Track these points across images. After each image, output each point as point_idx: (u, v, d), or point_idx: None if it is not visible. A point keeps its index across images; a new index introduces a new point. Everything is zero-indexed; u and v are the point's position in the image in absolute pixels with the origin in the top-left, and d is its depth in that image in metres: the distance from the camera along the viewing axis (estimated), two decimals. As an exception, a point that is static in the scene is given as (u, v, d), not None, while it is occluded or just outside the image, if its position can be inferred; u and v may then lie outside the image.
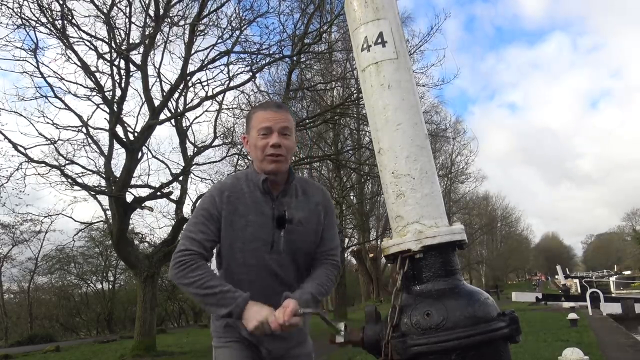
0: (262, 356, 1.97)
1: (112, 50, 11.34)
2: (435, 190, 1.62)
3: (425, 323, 1.41)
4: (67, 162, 12.07)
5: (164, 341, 14.49)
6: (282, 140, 1.89)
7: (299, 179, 2.04)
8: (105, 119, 12.09)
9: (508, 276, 76.35)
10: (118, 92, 11.71)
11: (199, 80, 13.04)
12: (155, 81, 12.82)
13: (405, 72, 1.68)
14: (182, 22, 12.28)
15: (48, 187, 14.77)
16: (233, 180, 1.96)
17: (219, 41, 12.54)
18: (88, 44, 11.33)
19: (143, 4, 11.74)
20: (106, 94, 11.69)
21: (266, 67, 13.64)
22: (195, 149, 14.27)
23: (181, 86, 12.65)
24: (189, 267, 1.76)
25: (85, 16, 11.54)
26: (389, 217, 1.67)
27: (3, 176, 11.55)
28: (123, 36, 11.59)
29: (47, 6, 10.67)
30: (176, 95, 13.12)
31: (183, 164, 13.69)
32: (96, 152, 12.74)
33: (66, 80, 12.24)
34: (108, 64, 11.59)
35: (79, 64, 11.29)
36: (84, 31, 11.19)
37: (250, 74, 12.64)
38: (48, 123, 11.81)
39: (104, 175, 12.31)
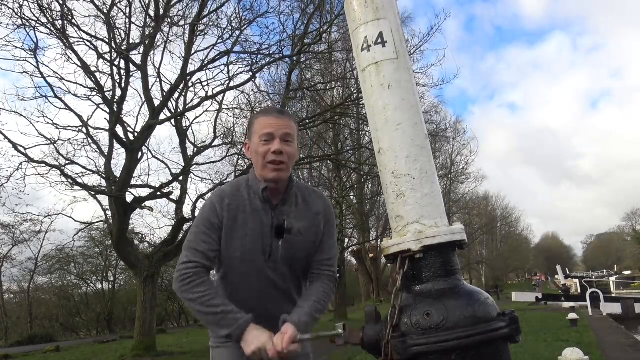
0: None
1: (112, 50, 11.34)
2: (435, 190, 1.62)
3: (425, 323, 1.41)
4: (67, 162, 12.09)
5: (164, 341, 14.49)
6: (284, 147, 1.86)
7: (300, 186, 2.00)
8: (105, 119, 12.11)
9: (508, 276, 76.35)
10: (118, 92, 11.72)
11: (199, 80, 13.06)
12: (155, 81, 12.84)
13: (405, 72, 1.68)
14: (182, 22, 12.30)
15: (48, 187, 14.78)
16: (234, 187, 1.93)
17: (219, 41, 12.56)
18: (88, 44, 11.36)
19: (143, 4, 11.76)
20: (106, 94, 11.69)
21: (266, 67, 13.66)
22: (195, 149, 14.28)
23: (181, 86, 12.65)
24: (193, 282, 1.75)
25: (85, 16, 11.56)
26: (389, 217, 1.67)
27: (3, 176, 11.57)
28: (123, 36, 11.61)
29: (47, 6, 10.69)
30: (176, 95, 13.13)
31: (183, 164, 13.70)
32: (96, 152, 12.77)
33: (66, 80, 12.28)
34: (108, 64, 11.60)
35: (79, 64, 11.31)
36: (84, 31, 11.22)
37: (250, 74, 12.66)
38: (48, 123, 11.84)
39: (104, 175, 12.31)
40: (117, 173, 12.21)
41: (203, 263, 1.80)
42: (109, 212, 13.08)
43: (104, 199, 12.99)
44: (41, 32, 11.12)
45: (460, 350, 1.37)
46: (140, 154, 12.17)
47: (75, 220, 14.26)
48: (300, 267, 1.97)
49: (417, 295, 1.50)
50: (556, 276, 49.24)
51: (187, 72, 12.23)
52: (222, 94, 13.12)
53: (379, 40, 1.68)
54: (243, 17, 12.41)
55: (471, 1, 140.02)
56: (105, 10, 11.17)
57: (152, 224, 45.50)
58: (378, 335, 1.50)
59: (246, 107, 13.68)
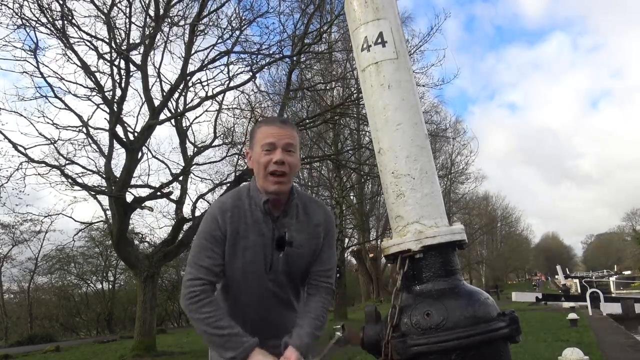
0: None
1: (112, 50, 11.34)
2: (435, 190, 1.62)
3: (425, 323, 1.41)
4: (67, 162, 12.08)
5: (164, 341, 14.49)
6: (285, 157, 1.84)
7: (301, 196, 1.99)
8: (105, 119, 12.11)
9: (508, 276, 76.35)
10: (118, 92, 11.72)
11: (199, 80, 13.05)
12: (155, 81, 12.83)
13: (405, 72, 1.68)
14: (182, 22, 12.30)
15: (48, 187, 14.78)
16: (235, 197, 1.91)
17: (219, 41, 12.55)
18: (88, 44, 11.35)
19: (143, 4, 11.76)
20: (106, 94, 11.69)
21: (266, 67, 13.64)
22: (195, 149, 14.27)
23: (181, 86, 12.65)
24: (200, 302, 1.75)
25: (85, 16, 11.56)
26: (389, 217, 1.67)
27: (3, 176, 11.56)
28: (123, 36, 11.60)
29: (47, 6, 10.68)
30: (176, 95, 13.12)
31: (183, 164, 13.70)
32: (96, 152, 12.76)
33: (66, 80, 12.26)
34: (108, 64, 11.60)
35: (79, 64, 11.31)
36: (84, 31, 11.21)
37: (251, 74, 12.64)
38: (48, 123, 11.82)
39: (104, 175, 12.31)
40: (117, 173, 12.22)
41: (209, 279, 1.80)
42: (109, 212, 13.08)
43: (104, 199, 12.99)
44: (41, 32, 11.13)
45: (460, 350, 1.37)
46: (140, 154, 12.17)
47: (75, 220, 14.28)
48: (300, 276, 1.98)
49: (417, 295, 1.50)
50: (556, 276, 49.25)
51: (187, 72, 12.23)
52: (222, 94, 13.12)
53: (379, 40, 1.68)
54: (243, 17, 12.41)
55: (471, 1, 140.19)
56: (105, 10, 11.18)
57: (152, 224, 45.67)
58: (378, 335, 1.50)
59: (246, 107, 13.67)
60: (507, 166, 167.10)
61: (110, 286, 28.33)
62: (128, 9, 11.43)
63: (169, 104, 12.99)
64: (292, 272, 1.93)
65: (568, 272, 53.73)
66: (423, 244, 1.51)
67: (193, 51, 12.29)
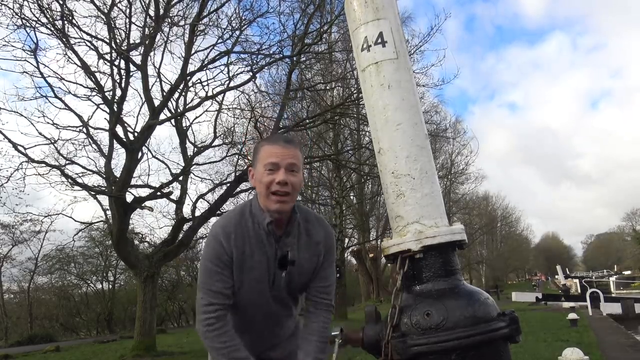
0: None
1: (113, 51, 11.33)
2: (435, 190, 1.62)
3: (425, 323, 1.41)
4: (67, 162, 12.06)
5: (164, 341, 14.49)
6: (288, 177, 1.84)
7: (303, 213, 1.99)
8: (105, 119, 12.10)
9: (508, 276, 76.36)
10: (118, 92, 11.71)
11: (199, 80, 13.04)
12: (155, 81, 12.83)
13: (405, 72, 1.68)
14: (182, 22, 12.29)
15: (48, 187, 14.75)
16: (237, 218, 1.91)
17: (219, 41, 12.54)
18: (88, 44, 11.34)
19: (143, 4, 11.76)
20: (106, 94, 11.68)
21: (266, 67, 13.64)
22: (195, 149, 14.27)
23: (181, 86, 12.64)
24: (217, 331, 1.80)
25: (85, 16, 11.55)
26: (389, 217, 1.67)
27: (3, 176, 11.54)
28: (123, 36, 11.59)
29: (47, 6, 10.67)
30: (176, 95, 13.12)
31: (183, 164, 13.70)
32: (96, 152, 12.75)
33: (66, 81, 12.26)
34: (108, 64, 11.59)
35: (79, 64, 11.30)
36: (84, 31, 11.20)
37: (251, 74, 12.63)
38: (48, 123, 11.80)
39: (104, 175, 12.31)
40: (117, 173, 12.21)
41: (222, 303, 1.83)
42: (109, 212, 13.08)
43: (104, 199, 12.99)
44: (41, 32, 11.12)
45: (460, 350, 1.37)
46: (140, 154, 12.16)
47: (75, 220, 14.26)
48: (299, 290, 2.03)
49: (417, 295, 1.50)
50: (556, 276, 49.27)
51: (187, 72, 12.22)
52: (222, 94, 13.11)
53: (379, 40, 1.68)
54: (243, 17, 12.41)
55: (471, 1, 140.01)
56: (105, 10, 11.17)
57: (152, 224, 45.71)
58: (378, 335, 1.50)
59: (246, 107, 13.67)
60: (507, 166, 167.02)
61: (110, 286, 28.36)
62: (128, 9, 11.44)
63: (169, 104, 12.99)
64: (293, 288, 1.98)
65: (568, 272, 53.76)
66: (423, 244, 1.51)
67: (193, 51, 12.29)
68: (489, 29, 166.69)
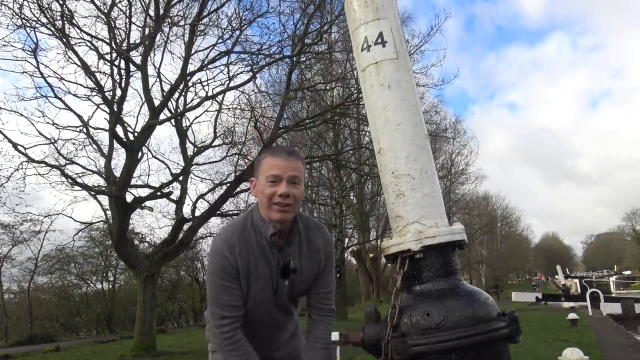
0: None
1: (113, 51, 11.33)
2: (435, 190, 1.62)
3: (425, 323, 1.41)
4: (67, 162, 12.06)
5: (164, 341, 14.49)
6: (290, 190, 1.86)
7: (303, 221, 2.02)
8: (105, 119, 12.09)
9: (508, 276, 76.37)
10: (118, 92, 11.70)
11: (199, 80, 13.03)
12: (155, 81, 12.82)
13: (405, 72, 1.68)
14: (182, 22, 12.28)
15: (48, 187, 14.75)
16: (239, 229, 1.93)
17: (219, 41, 12.54)
18: (88, 44, 11.34)
19: (143, 4, 11.76)
20: (106, 94, 11.68)
21: (266, 67, 13.64)
22: (195, 149, 14.27)
23: (181, 86, 12.64)
24: (235, 344, 1.87)
25: (85, 17, 11.54)
26: (389, 217, 1.67)
27: (3, 176, 11.52)
28: (123, 36, 11.59)
29: (47, 6, 10.67)
30: (176, 95, 13.11)
31: (183, 164, 13.70)
32: (96, 152, 12.75)
33: (66, 81, 12.24)
34: (108, 64, 11.59)
35: (79, 64, 11.29)
36: (84, 31, 11.20)
37: (251, 74, 12.63)
38: (48, 123, 11.79)
39: (104, 175, 12.31)
40: (117, 173, 12.21)
41: (235, 315, 1.88)
42: (109, 212, 13.07)
43: (104, 199, 12.99)
44: (41, 32, 11.11)
45: (460, 350, 1.37)
46: (140, 154, 12.16)
47: (75, 220, 14.24)
48: (300, 295, 2.10)
49: (417, 295, 1.50)
50: (556, 276, 49.27)
51: (187, 72, 12.22)
52: (222, 94, 13.11)
53: (379, 40, 1.68)
54: (243, 17, 12.40)
55: (471, 0, 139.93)
56: (105, 11, 11.17)
57: (152, 224, 45.57)
58: (378, 335, 1.50)
59: (246, 107, 13.67)
60: (507, 166, 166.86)
61: (110, 286, 28.35)
62: (128, 9, 11.44)
63: (169, 104, 12.99)
64: (294, 294, 2.04)
65: (568, 272, 53.75)
66: (423, 244, 1.51)
67: (193, 51, 12.29)
68: (489, 29, 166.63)
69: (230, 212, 15.02)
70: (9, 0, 10.32)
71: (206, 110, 14.65)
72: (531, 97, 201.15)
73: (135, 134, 12.21)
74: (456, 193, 43.13)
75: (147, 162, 14.11)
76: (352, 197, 28.53)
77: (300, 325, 2.27)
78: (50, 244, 25.04)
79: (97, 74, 11.70)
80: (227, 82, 12.86)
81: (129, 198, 12.15)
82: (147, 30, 11.68)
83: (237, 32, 12.37)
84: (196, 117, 14.65)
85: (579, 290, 33.14)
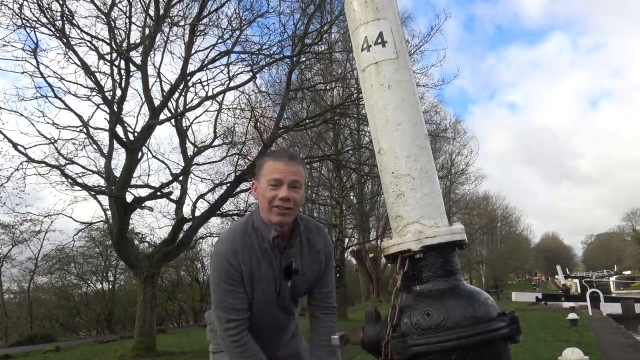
0: None
1: (113, 51, 11.33)
2: (435, 190, 1.62)
3: (425, 323, 1.41)
4: (67, 162, 12.06)
5: (164, 341, 14.49)
6: (291, 194, 1.88)
7: (303, 222, 2.04)
8: (105, 119, 12.10)
9: (508, 276, 76.38)
10: (118, 92, 11.70)
11: (199, 80, 13.03)
12: (155, 81, 12.82)
13: (405, 72, 1.68)
14: (182, 22, 12.28)
15: (48, 187, 14.77)
16: (241, 234, 1.95)
17: (219, 41, 12.54)
18: (89, 44, 11.34)
19: (143, 4, 11.76)
20: (106, 94, 11.68)
21: (266, 67, 13.64)
22: (195, 149, 14.27)
23: (181, 86, 12.64)
24: (242, 347, 1.90)
25: (85, 17, 11.55)
26: (389, 217, 1.67)
27: (3, 176, 11.52)
28: (123, 36, 11.59)
29: (47, 6, 10.67)
30: (176, 95, 13.12)
31: (183, 164, 13.70)
32: (96, 152, 12.75)
33: (66, 81, 12.23)
34: (108, 64, 11.59)
35: (79, 64, 11.30)
36: (84, 32, 11.20)
37: (251, 74, 12.63)
38: (48, 123, 11.80)
39: (104, 175, 12.31)
40: (117, 173, 12.21)
41: (241, 318, 1.91)
42: (109, 212, 13.08)
43: (104, 199, 12.99)
44: (41, 32, 11.12)
45: (460, 350, 1.37)
46: (140, 154, 12.16)
47: (75, 220, 14.24)
48: (302, 295, 2.14)
49: (417, 295, 1.50)
50: (556, 276, 49.28)
51: (187, 72, 12.22)
52: (222, 94, 13.11)
53: (379, 40, 1.68)
54: (243, 17, 12.40)
55: (471, 0, 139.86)
56: (105, 11, 11.17)
57: (152, 224, 45.58)
58: (378, 335, 1.50)
59: (246, 107, 13.67)
60: (507, 166, 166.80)
61: (110, 286, 28.34)
62: (128, 9, 11.44)
63: (169, 104, 12.99)
64: (296, 295, 2.08)
65: (568, 272, 53.75)
66: (423, 244, 1.51)
67: (193, 51, 12.29)
68: (489, 28, 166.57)
69: (230, 212, 15.04)
70: (9, 0, 10.34)
71: (206, 110, 14.66)
72: (531, 97, 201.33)
73: (135, 134, 12.21)
74: (456, 193, 43.16)
75: (147, 162, 14.13)
76: (352, 197, 28.53)
77: (301, 325, 2.29)
78: (50, 244, 25.06)
79: (97, 74, 11.71)
80: (227, 82, 12.87)
81: (129, 198, 12.15)
82: (147, 30, 11.69)
83: (237, 32, 12.38)
84: (196, 117, 14.68)
85: (579, 290, 33.14)
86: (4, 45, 10.86)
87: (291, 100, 15.58)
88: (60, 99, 11.82)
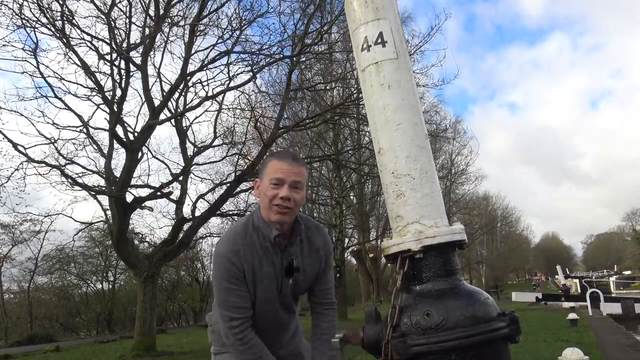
0: None
1: (113, 51, 11.33)
2: (435, 190, 1.62)
3: (425, 323, 1.41)
4: (67, 162, 12.06)
5: (164, 341, 14.49)
6: (291, 194, 1.92)
7: (303, 221, 2.07)
8: (105, 119, 12.09)
9: (508, 276, 76.39)
10: (118, 92, 11.70)
11: (199, 80, 13.03)
12: (155, 81, 12.82)
13: (405, 72, 1.68)
14: (182, 22, 12.28)
15: (48, 187, 14.77)
16: (242, 233, 1.98)
17: (219, 41, 12.53)
18: (89, 44, 11.34)
19: (143, 4, 11.76)
20: (106, 94, 11.68)
21: (266, 67, 13.63)
22: (195, 149, 14.27)
23: (181, 86, 12.64)
24: (247, 344, 1.94)
25: (85, 17, 11.55)
26: (389, 217, 1.67)
27: (3, 176, 11.53)
28: (123, 36, 11.59)
29: (47, 6, 10.67)
30: (176, 95, 13.12)
31: (183, 164, 13.70)
32: (96, 152, 12.75)
33: (66, 81, 12.24)
34: (108, 64, 11.59)
35: (79, 64, 11.30)
36: (84, 32, 11.20)
37: (251, 74, 12.63)
38: (48, 123, 11.80)
39: (104, 175, 12.31)
40: (117, 173, 12.21)
41: (245, 316, 1.94)
42: (109, 212, 13.08)
43: (104, 199, 12.99)
44: (42, 32, 11.12)
45: (460, 350, 1.37)
46: (140, 154, 12.16)
47: (75, 220, 14.24)
48: (302, 293, 2.19)
49: (417, 295, 1.50)
50: (556, 276, 49.27)
51: (187, 72, 12.22)
52: (222, 94, 13.11)
53: (379, 40, 1.68)
54: (243, 17, 12.40)
55: (471, 0, 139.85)
56: (105, 11, 11.17)
57: (152, 224, 45.64)
58: (378, 335, 1.50)
59: (246, 107, 13.67)
60: (507, 166, 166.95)
61: (110, 286, 28.33)
62: (128, 9, 11.44)
63: (169, 104, 12.99)
64: (297, 292, 2.13)
65: (568, 272, 53.75)
66: (423, 244, 1.51)
67: (193, 51, 12.29)
68: (489, 28, 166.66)
69: (230, 212, 15.04)
70: (9, 0, 10.34)
71: (206, 110, 14.66)
72: (531, 97, 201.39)
73: (135, 134, 12.21)
74: (456, 193, 43.19)
75: (147, 162, 14.13)
76: (352, 197, 28.53)
77: (301, 325, 2.32)
78: (50, 244, 25.06)
79: (97, 74, 11.71)
80: (227, 82, 12.87)
81: (129, 198, 12.15)
82: (147, 31, 11.69)
83: (237, 32, 12.38)
84: (196, 117, 14.68)
85: (579, 290, 33.16)
86: (4, 45, 10.87)
87: (291, 100, 15.58)
88: (60, 99, 11.83)
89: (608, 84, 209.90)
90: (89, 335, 25.68)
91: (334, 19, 15.28)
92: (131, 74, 11.69)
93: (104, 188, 12.26)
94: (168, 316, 30.16)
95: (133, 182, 12.58)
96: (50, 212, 13.78)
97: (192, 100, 13.47)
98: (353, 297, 37.46)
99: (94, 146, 12.65)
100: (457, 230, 1.57)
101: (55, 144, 11.89)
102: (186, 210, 14.05)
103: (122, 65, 11.49)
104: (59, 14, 10.70)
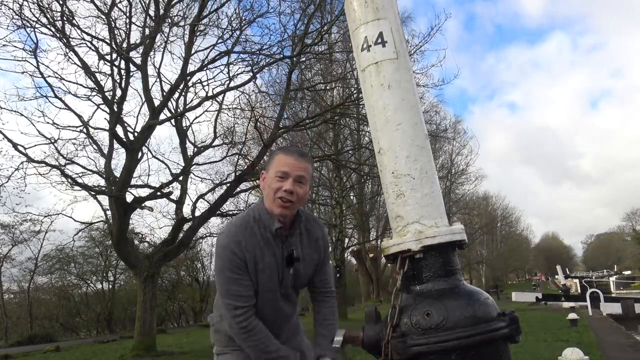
0: None
1: (113, 51, 11.33)
2: (435, 190, 1.62)
3: (425, 323, 1.41)
4: (67, 162, 12.06)
5: (164, 341, 14.49)
6: (295, 188, 1.98)
7: (303, 214, 2.12)
8: (105, 119, 12.09)
9: (508, 276, 76.38)
10: (118, 92, 11.70)
11: (199, 80, 13.03)
12: (155, 81, 12.81)
13: (405, 72, 1.68)
14: (182, 22, 12.28)
15: (48, 187, 14.78)
16: (243, 225, 2.02)
17: (219, 41, 12.53)
18: (89, 44, 11.34)
19: (143, 4, 11.75)
20: (106, 94, 11.68)
21: (266, 67, 13.63)
22: (195, 149, 14.27)
23: (181, 86, 12.64)
24: (251, 332, 1.97)
25: (85, 17, 11.55)
26: (389, 217, 1.67)
27: (3, 176, 11.53)
28: (123, 36, 11.59)
29: (47, 6, 10.67)
30: (176, 95, 13.11)
31: (183, 164, 13.70)
32: (96, 152, 12.74)
33: (66, 81, 12.23)
34: (108, 64, 11.58)
35: (79, 64, 11.29)
36: (84, 32, 11.20)
37: (251, 74, 12.63)
38: (48, 123, 11.80)
39: (104, 175, 12.31)
40: (117, 173, 12.21)
41: (248, 304, 1.97)
42: (109, 212, 13.07)
43: (104, 199, 12.99)
44: (42, 32, 11.11)
45: (460, 350, 1.37)
46: (140, 154, 12.16)
47: (75, 220, 14.24)
48: (302, 285, 2.23)
49: (417, 295, 1.50)
50: (556, 276, 49.30)
51: (187, 72, 12.21)
52: (222, 94, 13.10)
53: (379, 40, 1.68)
54: (243, 17, 12.40)
55: (471, 0, 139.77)
56: (105, 11, 11.17)
57: (152, 224, 45.57)
58: (378, 335, 1.50)
59: (246, 107, 13.66)
60: (507, 166, 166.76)
61: (110, 286, 28.33)
62: (128, 10, 11.43)
63: (169, 104, 12.99)
64: (298, 283, 2.16)
65: (568, 272, 53.76)
66: (423, 244, 1.51)
67: (193, 51, 12.29)
68: (489, 28, 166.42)
69: (230, 212, 15.03)
70: (9, 0, 10.33)
71: (206, 110, 14.66)
72: (531, 97, 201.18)
73: (135, 134, 12.21)
74: (456, 193, 43.16)
75: (147, 162, 14.13)
76: (352, 197, 28.52)
77: (302, 325, 2.33)
78: (50, 244, 25.06)
79: (97, 74, 11.70)
80: (227, 82, 12.87)
81: (129, 198, 12.15)
82: (147, 31, 11.68)
83: (237, 32, 12.37)
84: (196, 117, 14.68)
85: (579, 290, 33.16)
86: (4, 45, 10.86)
87: (291, 100, 15.57)
88: (60, 99, 11.83)
89: (608, 84, 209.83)
90: (89, 335, 25.68)
91: (334, 19, 15.27)
92: (131, 74, 11.70)
93: (104, 188, 12.26)
94: (168, 316, 30.16)
95: (133, 182, 12.58)
96: (50, 212, 13.80)
97: (192, 100, 13.48)
98: (353, 297, 37.47)
99: (94, 146, 12.66)
100: (457, 230, 1.57)
101: (55, 144, 11.90)
102: (186, 210, 14.06)
103: (122, 65, 11.49)
104: (59, 14, 10.71)
